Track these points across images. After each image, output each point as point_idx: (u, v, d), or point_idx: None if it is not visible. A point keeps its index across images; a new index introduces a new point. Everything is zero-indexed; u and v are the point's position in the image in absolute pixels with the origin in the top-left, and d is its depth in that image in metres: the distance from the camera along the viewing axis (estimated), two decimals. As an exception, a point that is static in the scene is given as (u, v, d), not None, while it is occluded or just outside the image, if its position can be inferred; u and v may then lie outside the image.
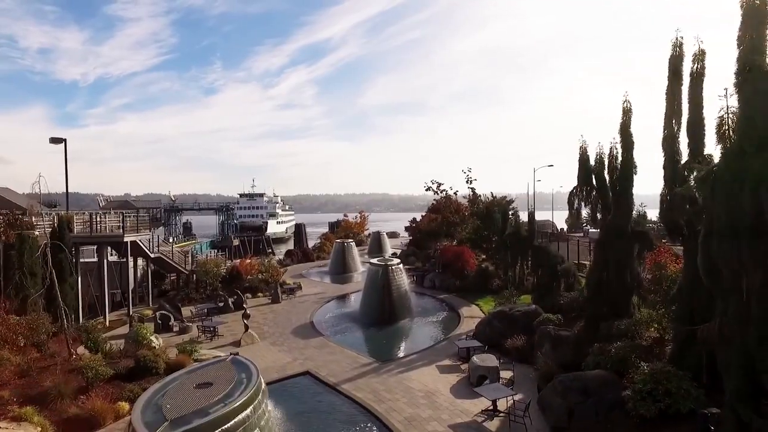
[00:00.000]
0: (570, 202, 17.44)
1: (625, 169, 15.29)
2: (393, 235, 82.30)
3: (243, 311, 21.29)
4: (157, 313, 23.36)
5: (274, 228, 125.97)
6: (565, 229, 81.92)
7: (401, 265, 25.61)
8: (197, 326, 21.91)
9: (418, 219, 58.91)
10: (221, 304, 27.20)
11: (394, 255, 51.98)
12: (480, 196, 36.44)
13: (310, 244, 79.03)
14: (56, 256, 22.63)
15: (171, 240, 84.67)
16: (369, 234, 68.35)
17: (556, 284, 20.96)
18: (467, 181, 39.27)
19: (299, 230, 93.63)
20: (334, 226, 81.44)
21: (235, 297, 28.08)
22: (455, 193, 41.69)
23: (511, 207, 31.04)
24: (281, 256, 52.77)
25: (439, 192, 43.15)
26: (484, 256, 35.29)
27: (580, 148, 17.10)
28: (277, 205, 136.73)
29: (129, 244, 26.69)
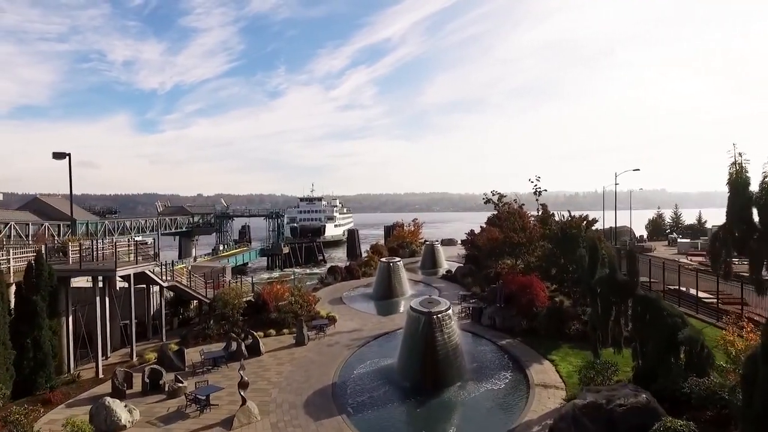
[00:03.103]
0: (714, 249, 10.92)
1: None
2: (450, 242, 75.80)
3: (240, 378, 16.34)
4: (146, 369, 19.07)
5: (331, 231, 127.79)
6: (645, 237, 71.32)
7: (450, 311, 19.68)
8: (185, 395, 17.24)
9: (478, 229, 52.55)
10: (233, 348, 22.66)
11: (448, 272, 46.14)
12: (552, 214, 29.52)
13: (364, 248, 74.76)
14: (29, 298, 19.17)
15: (222, 247, 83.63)
16: (424, 241, 62.55)
17: (674, 358, 14.23)
18: (535, 193, 32.37)
19: (352, 236, 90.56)
20: (389, 230, 76.42)
21: (251, 339, 23.52)
22: (521, 207, 34.81)
23: (594, 227, 24.18)
24: (325, 271, 48.23)
25: (500, 204, 36.40)
26: (555, 286, 28.50)
27: (733, 165, 10.52)
28: (335, 208, 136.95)
29: (132, 275, 22.91)
